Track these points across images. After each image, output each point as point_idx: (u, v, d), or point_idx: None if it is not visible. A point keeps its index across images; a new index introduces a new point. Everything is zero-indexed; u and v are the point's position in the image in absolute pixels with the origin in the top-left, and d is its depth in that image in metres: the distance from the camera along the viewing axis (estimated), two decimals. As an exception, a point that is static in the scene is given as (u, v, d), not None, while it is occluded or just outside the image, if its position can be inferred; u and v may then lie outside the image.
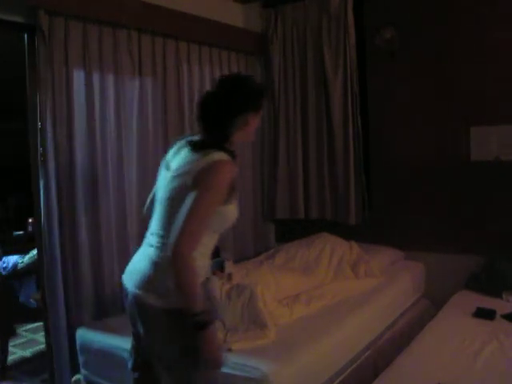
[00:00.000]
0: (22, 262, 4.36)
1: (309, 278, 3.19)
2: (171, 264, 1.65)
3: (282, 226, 4.39)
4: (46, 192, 2.68)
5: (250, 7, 4.19)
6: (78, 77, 2.83)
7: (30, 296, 4.74)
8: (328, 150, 3.95)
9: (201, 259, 1.79)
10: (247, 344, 2.39)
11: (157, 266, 1.80)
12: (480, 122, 3.50)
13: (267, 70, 4.16)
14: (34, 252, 4.18)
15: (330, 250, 3.49)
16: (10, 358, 3.79)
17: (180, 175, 1.79)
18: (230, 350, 2.32)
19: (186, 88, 3.52)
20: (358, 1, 3.78)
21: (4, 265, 4.36)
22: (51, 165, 2.69)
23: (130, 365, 2.04)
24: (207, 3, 3.72)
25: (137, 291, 1.83)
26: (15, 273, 4.36)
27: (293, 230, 4.21)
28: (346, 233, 3.79)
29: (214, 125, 1.82)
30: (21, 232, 5.18)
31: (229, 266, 2.99)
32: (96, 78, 2.91)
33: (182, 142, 1.93)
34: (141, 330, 1.87)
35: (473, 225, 3.56)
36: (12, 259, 4.41)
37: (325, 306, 2.90)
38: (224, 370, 2.21)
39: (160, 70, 3.30)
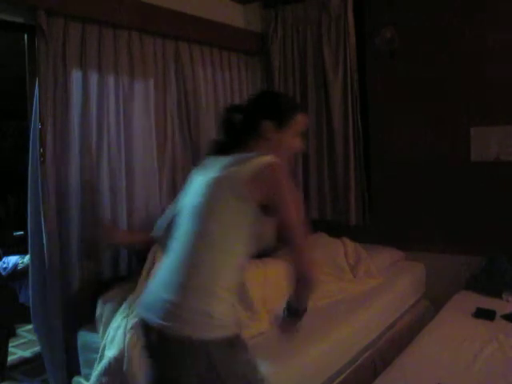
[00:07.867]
0: (22, 263, 4.36)
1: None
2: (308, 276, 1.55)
3: (281, 226, 4.37)
4: (45, 192, 2.67)
5: (250, 7, 4.18)
6: (78, 77, 2.82)
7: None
8: (328, 150, 3.94)
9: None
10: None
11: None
12: (480, 122, 3.50)
13: (267, 70, 4.15)
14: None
15: (330, 250, 3.48)
16: (10, 359, 3.78)
17: None
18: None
19: (187, 88, 3.51)
20: (358, 1, 3.78)
21: (4, 265, 4.36)
22: (51, 164, 2.68)
23: None
24: (207, 3, 3.72)
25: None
26: (15, 273, 4.35)
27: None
28: (346, 233, 3.78)
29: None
30: (21, 232, 5.18)
31: None
32: (95, 78, 2.90)
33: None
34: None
35: (473, 225, 3.56)
36: (12, 259, 4.41)
37: (325, 306, 2.90)
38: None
39: (160, 71, 3.29)
